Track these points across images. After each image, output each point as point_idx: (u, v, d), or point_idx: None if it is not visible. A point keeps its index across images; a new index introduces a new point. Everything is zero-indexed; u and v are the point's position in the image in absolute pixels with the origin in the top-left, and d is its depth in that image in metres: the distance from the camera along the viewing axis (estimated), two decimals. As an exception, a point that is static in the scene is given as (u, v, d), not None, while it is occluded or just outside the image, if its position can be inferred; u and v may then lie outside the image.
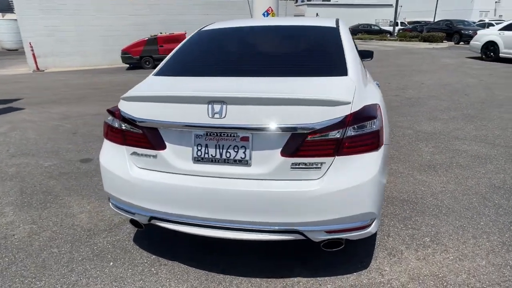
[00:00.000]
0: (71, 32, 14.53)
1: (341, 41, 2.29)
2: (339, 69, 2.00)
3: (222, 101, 1.67)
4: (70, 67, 14.53)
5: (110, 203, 2.12)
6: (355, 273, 2.04)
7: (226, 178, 1.75)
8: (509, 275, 1.99)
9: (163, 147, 1.82)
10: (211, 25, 2.89)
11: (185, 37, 13.54)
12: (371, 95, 2.01)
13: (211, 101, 1.68)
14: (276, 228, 1.72)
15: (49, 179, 3.50)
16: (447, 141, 4.21)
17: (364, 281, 1.98)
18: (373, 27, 29.94)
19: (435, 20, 27.58)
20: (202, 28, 2.86)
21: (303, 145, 1.65)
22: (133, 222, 2.06)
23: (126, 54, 12.89)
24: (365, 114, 1.69)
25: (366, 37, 24.59)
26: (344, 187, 1.65)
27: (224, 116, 1.67)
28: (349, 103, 1.66)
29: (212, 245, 2.31)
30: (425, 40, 19.49)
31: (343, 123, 1.64)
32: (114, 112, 1.93)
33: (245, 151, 1.72)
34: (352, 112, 1.66)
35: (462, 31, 19.90)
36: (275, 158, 1.69)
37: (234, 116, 1.67)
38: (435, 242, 2.30)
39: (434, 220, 2.56)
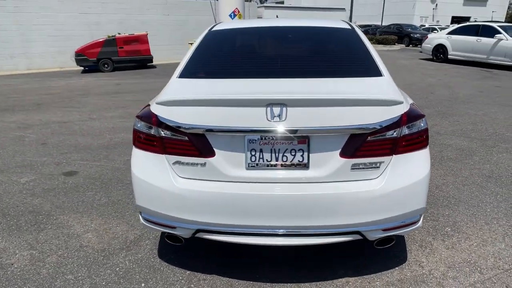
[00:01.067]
0: (12, 32, 13.01)
1: (363, 42, 2.34)
2: (374, 69, 2.03)
3: (283, 103, 1.60)
4: (12, 70, 13.00)
5: (141, 218, 1.93)
6: (397, 268, 2.09)
7: (283, 183, 1.68)
8: (528, 255, 2.19)
9: (212, 154, 1.69)
10: (220, 25, 2.77)
11: (147, 38, 12.94)
12: (406, 95, 2.08)
13: (270, 103, 1.60)
14: (338, 230, 1.70)
15: (32, 197, 3.09)
16: (431, 137, 4.52)
17: (408, 274, 2.04)
18: (330, 30, 31.20)
19: (382, 24, 29.65)
20: (212, 28, 2.73)
21: (363, 145, 1.65)
22: (170, 237, 1.90)
23: (81, 56, 11.89)
24: (415, 113, 1.74)
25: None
26: (403, 185, 1.68)
27: (285, 119, 1.61)
28: (402, 102, 1.70)
29: (245, 254, 2.21)
30: (379, 42, 20.90)
31: (399, 123, 1.66)
32: (150, 118, 1.76)
33: (302, 154, 1.67)
34: (405, 111, 1.69)
35: (411, 35, 21.73)
36: (334, 160, 1.66)
37: (294, 119, 1.61)
38: (456, 231, 2.45)
39: (448, 210, 2.73)
